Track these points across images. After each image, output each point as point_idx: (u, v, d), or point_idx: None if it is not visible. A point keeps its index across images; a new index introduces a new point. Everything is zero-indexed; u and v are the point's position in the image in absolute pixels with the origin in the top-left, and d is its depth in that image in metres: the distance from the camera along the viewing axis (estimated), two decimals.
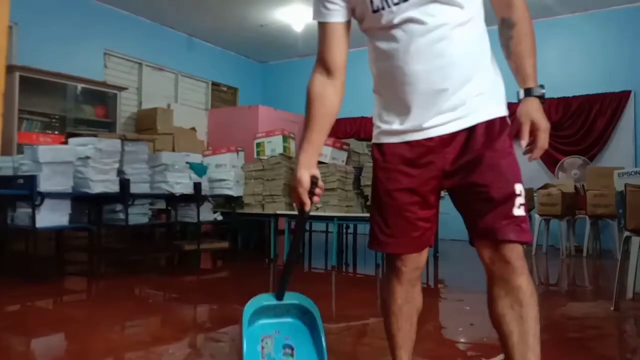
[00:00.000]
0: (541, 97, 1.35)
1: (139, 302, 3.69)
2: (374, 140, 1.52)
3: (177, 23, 8.12)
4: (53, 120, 6.43)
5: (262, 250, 5.91)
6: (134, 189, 4.48)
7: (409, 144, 1.41)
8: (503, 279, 1.33)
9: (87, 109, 6.81)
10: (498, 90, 1.41)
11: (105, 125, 6.89)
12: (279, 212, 5.38)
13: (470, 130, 1.36)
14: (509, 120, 1.40)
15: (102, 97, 6.96)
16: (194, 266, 5.19)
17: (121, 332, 2.87)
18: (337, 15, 1.43)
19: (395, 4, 1.32)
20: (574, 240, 6.44)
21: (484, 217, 1.33)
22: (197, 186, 5.00)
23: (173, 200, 5.01)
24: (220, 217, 5.57)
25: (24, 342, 2.66)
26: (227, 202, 5.76)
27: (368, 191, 5.14)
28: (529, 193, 6.22)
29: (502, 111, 1.40)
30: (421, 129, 1.38)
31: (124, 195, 4.38)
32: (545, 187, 6.42)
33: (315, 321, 1.59)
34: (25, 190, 4.01)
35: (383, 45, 1.39)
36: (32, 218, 3.93)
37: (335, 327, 2.92)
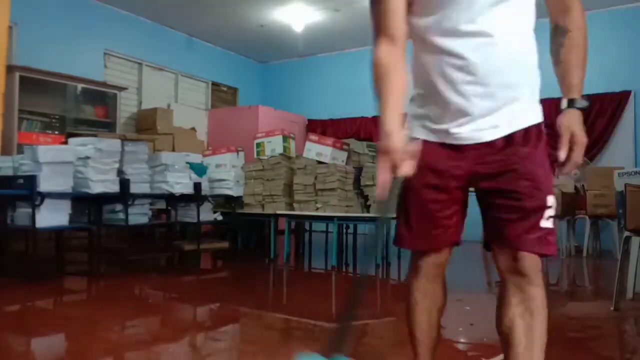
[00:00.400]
0: (583, 110, 1.31)
1: (139, 302, 3.69)
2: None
3: (177, 23, 8.12)
4: (53, 120, 6.43)
5: (262, 250, 5.91)
6: (134, 189, 4.48)
7: (442, 143, 1.39)
8: (517, 287, 1.32)
9: (87, 109, 6.81)
10: (536, 95, 1.38)
11: (105, 125, 6.89)
12: (279, 212, 5.38)
13: (508, 135, 1.34)
14: (543, 127, 1.38)
15: (102, 97, 6.97)
16: (194, 266, 5.19)
17: (121, 332, 2.87)
18: None
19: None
20: (574, 240, 6.44)
21: (510, 224, 1.31)
22: (197, 186, 5.00)
23: (173, 200, 5.01)
24: (220, 217, 5.57)
25: (24, 342, 2.66)
26: (227, 202, 5.76)
27: (368, 191, 5.14)
28: None
29: (539, 117, 1.37)
30: (458, 132, 1.35)
31: (124, 195, 4.38)
32: None
33: None
34: (25, 190, 4.01)
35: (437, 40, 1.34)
36: (32, 218, 3.93)
37: (336, 327, 2.92)
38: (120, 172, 4.49)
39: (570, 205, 6.21)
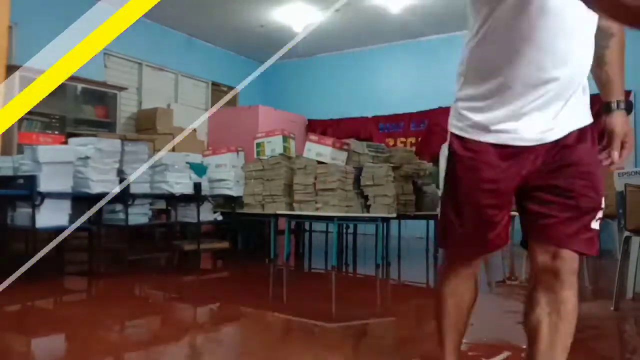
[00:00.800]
0: (628, 110, 1.34)
1: (138, 302, 3.69)
2: (457, 132, 1.40)
3: (177, 23, 8.11)
4: (53, 120, 6.43)
5: (262, 250, 5.90)
6: (134, 189, 4.48)
7: (500, 144, 1.33)
8: (549, 288, 1.32)
9: (87, 109, 6.81)
10: (587, 92, 1.38)
11: (105, 125, 6.89)
12: (279, 212, 5.38)
13: (567, 134, 1.33)
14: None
15: (102, 97, 6.96)
16: (194, 266, 5.19)
17: (121, 332, 2.87)
18: None
19: None
20: None
21: (558, 222, 1.30)
22: (197, 186, 5.00)
23: (173, 200, 5.01)
24: (220, 217, 5.57)
25: (24, 342, 2.66)
26: (227, 202, 5.76)
27: (368, 191, 5.13)
28: None
29: (591, 117, 1.37)
30: (517, 133, 1.31)
31: (124, 195, 4.38)
32: None
33: None
34: (25, 190, 4.01)
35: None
36: (32, 218, 3.93)
37: (336, 327, 2.93)
38: (120, 172, 4.49)
39: None
